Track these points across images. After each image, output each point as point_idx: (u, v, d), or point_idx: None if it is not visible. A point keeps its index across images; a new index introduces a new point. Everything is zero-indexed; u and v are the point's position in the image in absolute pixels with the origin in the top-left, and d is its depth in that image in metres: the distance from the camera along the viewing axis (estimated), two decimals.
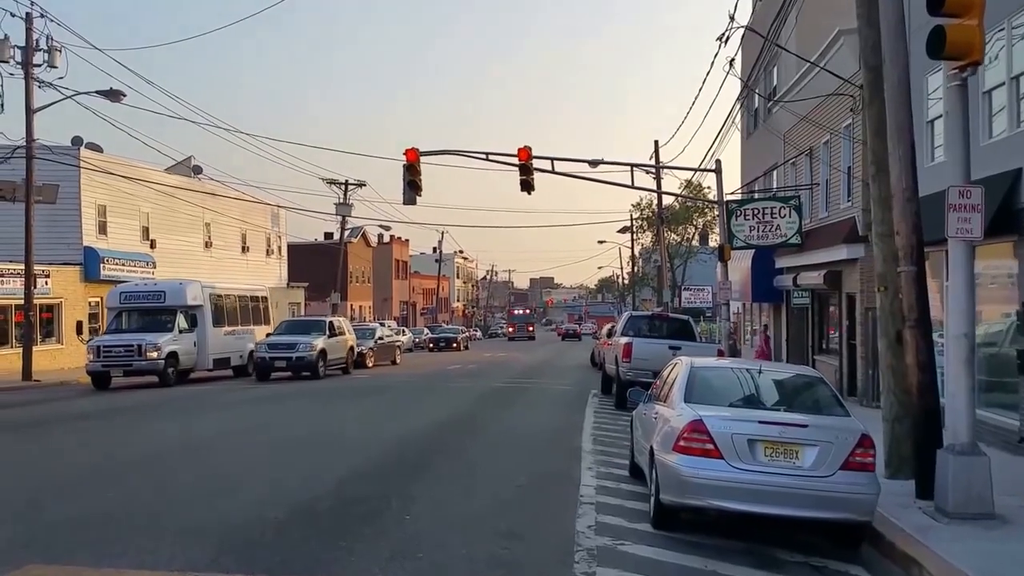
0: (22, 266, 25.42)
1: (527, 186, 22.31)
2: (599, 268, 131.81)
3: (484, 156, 23.85)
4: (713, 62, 24.67)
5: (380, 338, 35.04)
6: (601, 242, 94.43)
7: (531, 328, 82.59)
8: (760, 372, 8.74)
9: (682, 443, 7.44)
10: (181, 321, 24.90)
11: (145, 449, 12.58)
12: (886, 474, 9.47)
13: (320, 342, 26.85)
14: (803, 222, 22.40)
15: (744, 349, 32.33)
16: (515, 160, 22.41)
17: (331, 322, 28.99)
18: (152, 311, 25.16)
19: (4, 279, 27.62)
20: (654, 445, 8.24)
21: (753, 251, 25.19)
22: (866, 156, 11.44)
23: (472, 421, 16.22)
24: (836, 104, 19.54)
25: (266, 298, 31.59)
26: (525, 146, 22.12)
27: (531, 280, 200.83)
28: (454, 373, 30.47)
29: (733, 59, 21.45)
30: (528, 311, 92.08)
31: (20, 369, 24.73)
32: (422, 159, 21.69)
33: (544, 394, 22.73)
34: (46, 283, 29.50)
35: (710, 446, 7.32)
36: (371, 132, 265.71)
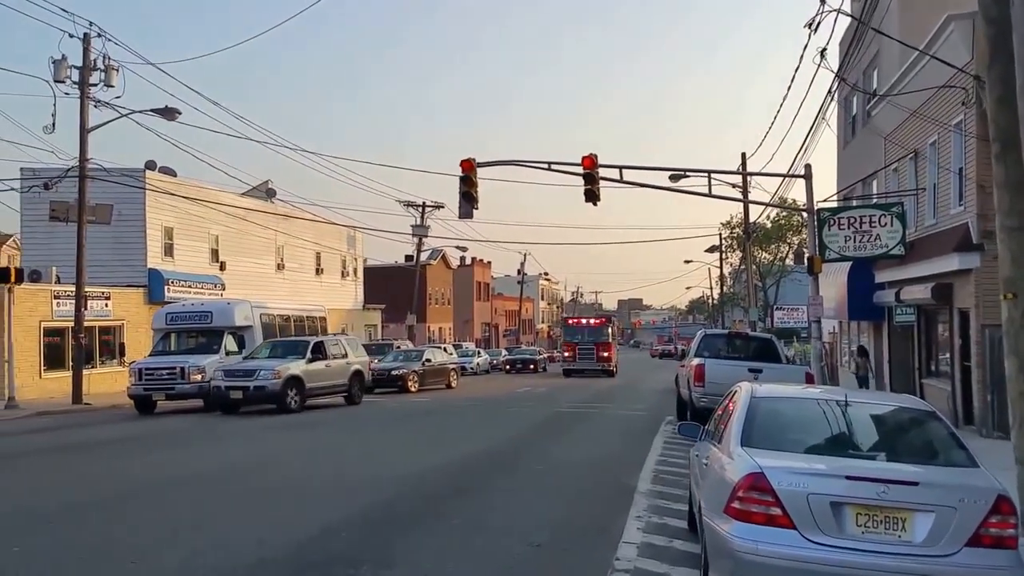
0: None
1: (592, 196, 20.68)
2: (687, 288, 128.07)
3: (546, 166, 22.24)
4: (803, 55, 22.23)
5: (427, 360, 32.65)
6: (688, 262, 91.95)
7: (607, 352, 44.79)
8: (848, 404, 6.42)
9: (736, 504, 5.34)
10: (229, 342, 23.92)
11: (101, 490, 10.70)
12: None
13: (293, 367, 21.98)
14: (907, 231, 20.15)
15: (842, 373, 29.44)
16: (579, 169, 20.76)
17: (319, 343, 23.92)
18: (199, 332, 24.33)
19: (60, 300, 27.43)
20: (702, 502, 6.20)
21: (849, 264, 22.85)
22: (977, 149, 9.16)
23: (513, 454, 14.22)
24: (945, 99, 17.53)
25: (324, 318, 30.55)
26: (590, 154, 20.51)
27: (619, 301, 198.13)
28: (518, 397, 28.61)
29: (825, 49, 19.24)
30: (600, 322, 48.96)
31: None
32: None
33: (611, 420, 20.72)
34: (106, 305, 29.43)
35: (776, 511, 5.21)
36: (455, 153, 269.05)
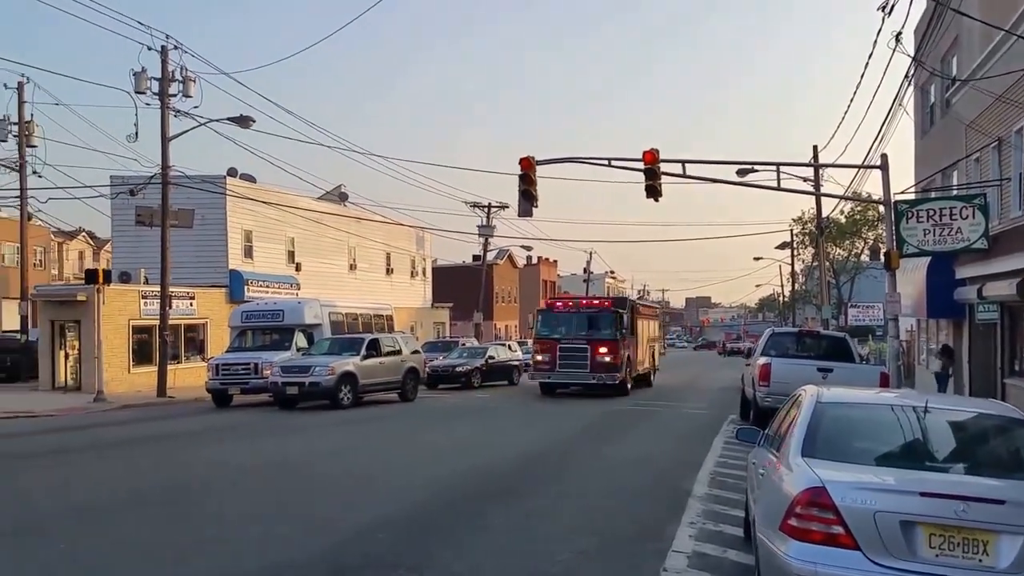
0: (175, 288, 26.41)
1: (653, 192, 20.36)
2: (757, 286, 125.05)
3: (607, 162, 21.98)
4: (876, 41, 21.25)
5: (491, 357, 32.60)
6: (757, 259, 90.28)
7: (610, 356, 26.08)
8: (926, 410, 5.85)
9: (793, 521, 4.97)
10: (300, 339, 24.78)
11: (149, 484, 10.93)
12: None
13: (347, 364, 21.98)
14: (990, 223, 19.31)
15: (919, 372, 28.39)
16: (640, 165, 20.47)
17: (374, 340, 23.86)
18: (271, 330, 25.42)
19: (147, 300, 28.85)
20: (757, 516, 5.90)
21: (928, 259, 22.00)
22: None
23: (566, 453, 14.01)
24: None
25: (391, 316, 31.24)
26: (652, 148, 20.14)
27: (687, 299, 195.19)
28: (580, 393, 28.49)
29: (900, 33, 18.50)
30: (595, 304, 28.71)
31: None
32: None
33: (671, 419, 20.43)
34: (191, 304, 30.93)
35: (838, 529, 4.81)
36: (519, 153, 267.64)
